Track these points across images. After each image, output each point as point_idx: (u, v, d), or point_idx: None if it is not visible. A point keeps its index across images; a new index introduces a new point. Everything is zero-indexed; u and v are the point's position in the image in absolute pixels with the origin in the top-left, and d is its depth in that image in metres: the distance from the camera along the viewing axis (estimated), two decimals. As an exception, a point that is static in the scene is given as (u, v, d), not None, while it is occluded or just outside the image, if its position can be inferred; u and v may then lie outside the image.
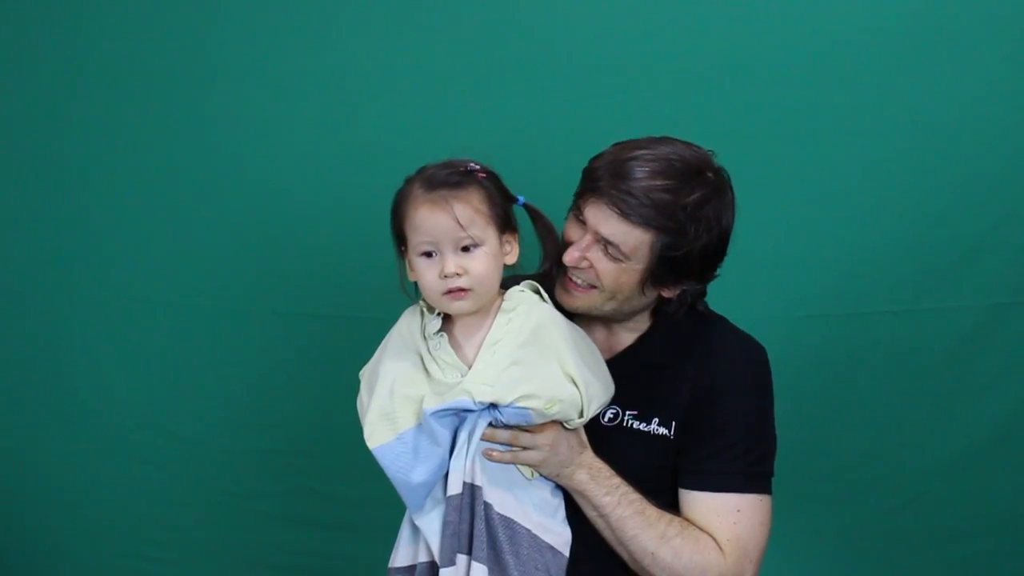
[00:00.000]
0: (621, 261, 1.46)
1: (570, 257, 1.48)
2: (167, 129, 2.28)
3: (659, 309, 1.58)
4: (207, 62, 2.25)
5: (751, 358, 1.57)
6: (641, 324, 1.59)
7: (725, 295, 2.13)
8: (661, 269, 1.46)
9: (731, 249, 2.13)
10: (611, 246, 1.45)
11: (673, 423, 1.52)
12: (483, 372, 1.37)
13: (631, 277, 1.47)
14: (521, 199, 1.46)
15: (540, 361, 1.39)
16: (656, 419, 1.53)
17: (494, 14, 2.17)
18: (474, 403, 1.33)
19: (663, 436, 1.52)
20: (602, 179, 1.45)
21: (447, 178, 1.38)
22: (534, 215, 1.48)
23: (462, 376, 1.38)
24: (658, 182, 1.43)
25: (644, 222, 1.43)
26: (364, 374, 1.48)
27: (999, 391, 2.18)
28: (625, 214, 1.43)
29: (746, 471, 1.50)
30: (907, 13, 2.07)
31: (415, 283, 1.44)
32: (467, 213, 1.37)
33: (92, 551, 2.42)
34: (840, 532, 2.26)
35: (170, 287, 2.32)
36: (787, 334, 2.17)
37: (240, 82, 2.24)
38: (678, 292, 1.53)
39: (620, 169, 1.45)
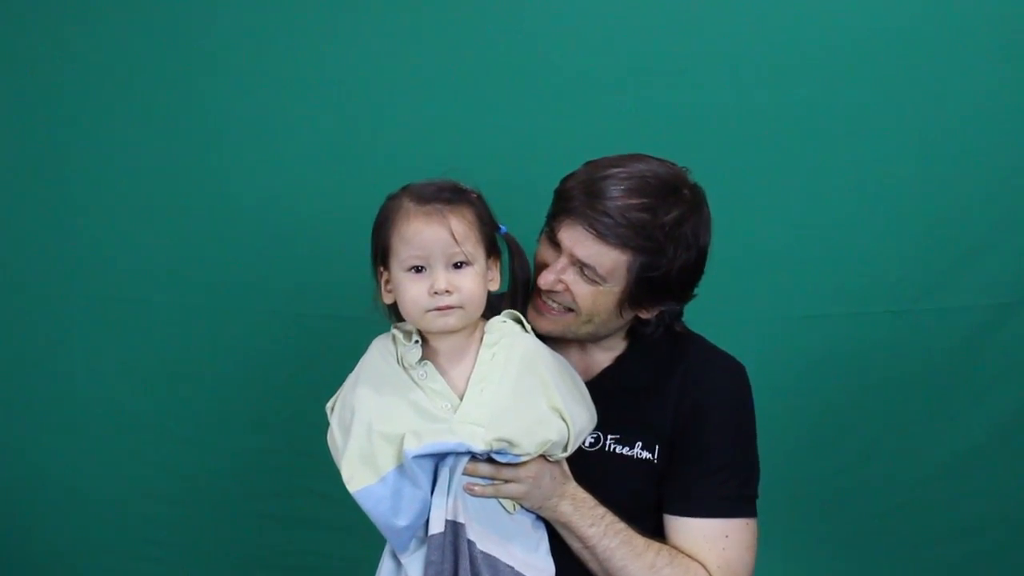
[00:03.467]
0: (598, 283, 1.42)
1: (545, 280, 1.44)
2: (167, 129, 2.27)
3: (635, 329, 1.54)
4: (207, 63, 2.24)
5: (733, 378, 1.53)
6: (617, 345, 1.55)
7: (725, 295, 2.14)
8: (639, 290, 1.43)
9: (731, 249, 2.13)
10: (587, 268, 1.41)
11: (656, 447, 1.49)
12: (472, 412, 1.33)
13: (608, 299, 1.44)
14: (503, 228, 1.42)
15: (528, 399, 1.35)
16: (639, 443, 1.49)
17: (489, 25, 2.16)
18: (464, 447, 1.29)
19: (647, 460, 1.49)
20: (575, 199, 1.41)
21: (439, 194, 1.35)
22: (512, 247, 1.44)
23: (452, 407, 1.34)
24: (634, 200, 1.39)
25: (621, 243, 1.39)
26: (332, 409, 1.42)
27: (999, 391, 2.18)
28: (601, 235, 1.39)
29: (733, 495, 1.48)
30: (908, 14, 2.07)
31: (389, 305, 1.40)
32: (462, 228, 1.33)
33: (92, 551, 2.42)
34: (839, 532, 2.26)
35: (170, 287, 2.32)
36: (787, 334, 2.18)
37: (240, 83, 2.23)
38: (656, 313, 1.50)
39: (594, 188, 1.41)
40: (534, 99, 2.14)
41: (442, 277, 1.32)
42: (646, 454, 1.49)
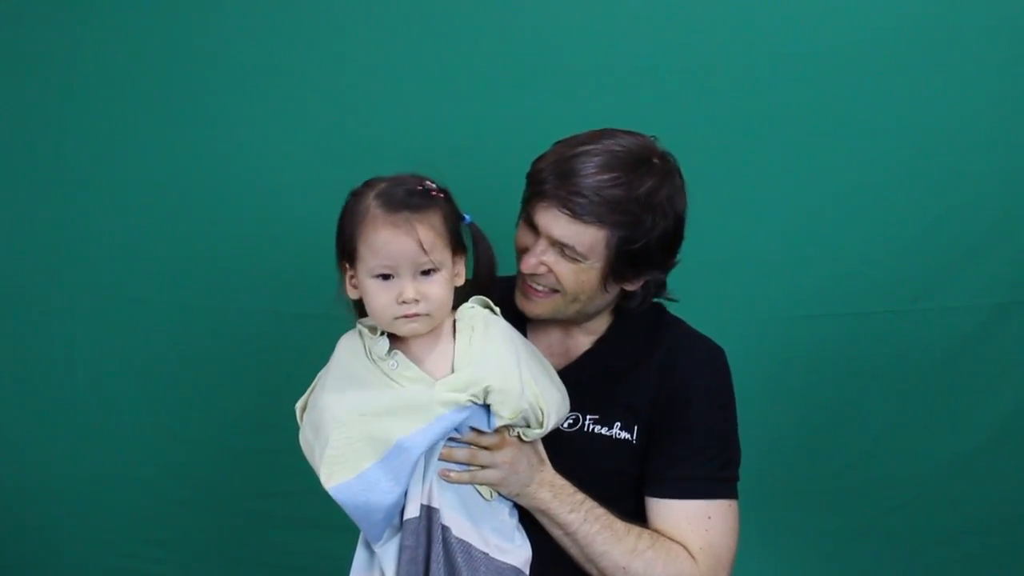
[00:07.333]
0: (579, 261, 1.43)
1: (527, 264, 1.45)
2: (167, 129, 2.27)
3: (618, 308, 1.55)
4: (206, 63, 2.24)
5: (714, 361, 1.54)
6: (600, 326, 1.56)
7: (725, 295, 2.15)
8: (621, 263, 1.44)
9: (731, 249, 2.16)
10: (567, 248, 1.42)
11: (636, 427, 1.50)
12: (453, 380, 1.33)
13: (591, 276, 1.45)
14: (467, 218, 1.41)
15: (508, 365, 1.35)
16: (618, 423, 1.50)
17: (486, 21, 2.17)
18: (451, 411, 1.29)
19: (625, 440, 1.49)
20: (547, 181, 1.42)
21: (407, 199, 1.33)
22: (477, 236, 1.43)
23: (430, 387, 1.33)
24: (605, 176, 1.40)
25: (597, 220, 1.40)
26: (302, 409, 1.42)
27: (999, 391, 2.18)
28: (577, 215, 1.40)
29: (715, 476, 1.48)
30: (907, 14, 2.07)
31: (354, 300, 1.39)
32: (430, 237, 1.31)
33: (92, 551, 2.42)
34: (839, 532, 2.26)
35: (170, 287, 2.32)
36: (787, 334, 2.18)
37: (240, 82, 2.24)
38: (641, 284, 1.51)
39: (565, 168, 1.42)
40: (530, 95, 2.14)
41: (410, 287, 1.32)
42: (625, 434, 1.50)
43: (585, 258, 1.43)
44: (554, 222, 1.42)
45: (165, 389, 2.36)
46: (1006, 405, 2.19)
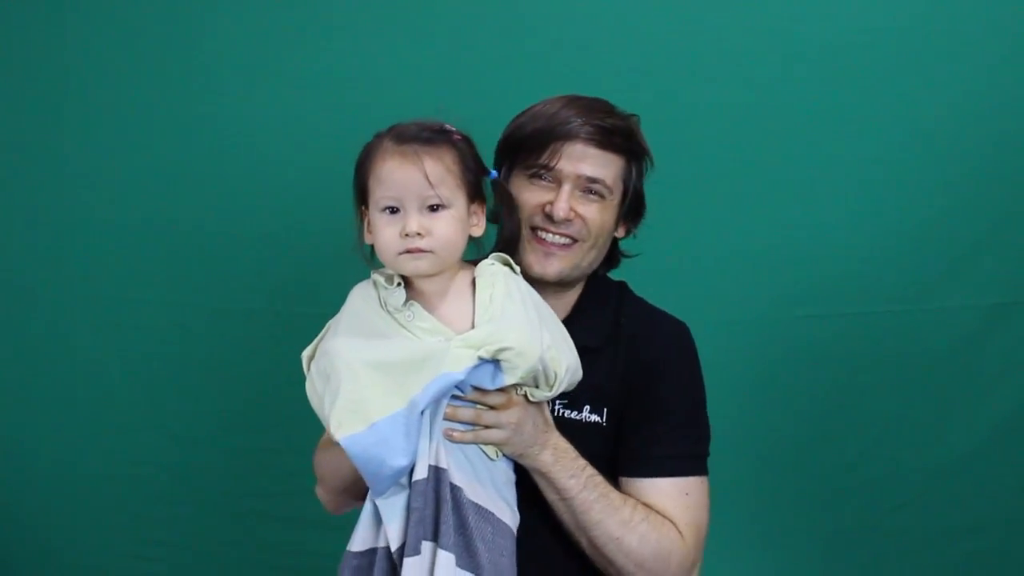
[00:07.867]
0: (604, 198, 1.47)
1: (560, 209, 1.44)
2: (167, 129, 2.28)
3: (592, 274, 1.55)
4: (205, 62, 2.25)
5: (681, 337, 1.53)
6: (572, 297, 1.55)
7: (725, 295, 2.15)
8: (631, 199, 1.49)
9: (731, 249, 2.16)
10: (595, 183, 1.45)
11: (605, 409, 1.49)
12: (473, 336, 1.29)
13: (611, 215, 1.49)
14: (494, 173, 1.40)
15: (529, 324, 1.32)
16: (587, 406, 1.49)
17: (491, 22, 2.18)
18: (460, 372, 1.25)
19: (595, 423, 1.48)
20: (545, 133, 1.44)
21: (419, 133, 1.33)
22: (503, 193, 1.42)
23: (446, 340, 1.30)
24: (599, 112, 1.45)
25: (617, 149, 1.45)
26: (309, 357, 1.38)
27: (999, 391, 2.18)
28: (602, 144, 1.44)
29: (690, 453, 1.48)
30: (907, 13, 2.08)
31: (371, 246, 1.37)
32: (438, 171, 1.30)
33: (92, 551, 2.42)
34: (840, 532, 2.25)
35: (170, 287, 2.32)
36: (787, 334, 2.17)
37: (240, 82, 2.24)
38: (627, 232, 1.56)
39: (558, 117, 1.45)
40: (531, 95, 2.14)
41: (414, 219, 1.29)
42: (595, 417, 1.49)
43: (610, 192, 1.47)
44: (582, 157, 1.45)
45: (165, 389, 2.36)
46: (1006, 405, 2.19)
